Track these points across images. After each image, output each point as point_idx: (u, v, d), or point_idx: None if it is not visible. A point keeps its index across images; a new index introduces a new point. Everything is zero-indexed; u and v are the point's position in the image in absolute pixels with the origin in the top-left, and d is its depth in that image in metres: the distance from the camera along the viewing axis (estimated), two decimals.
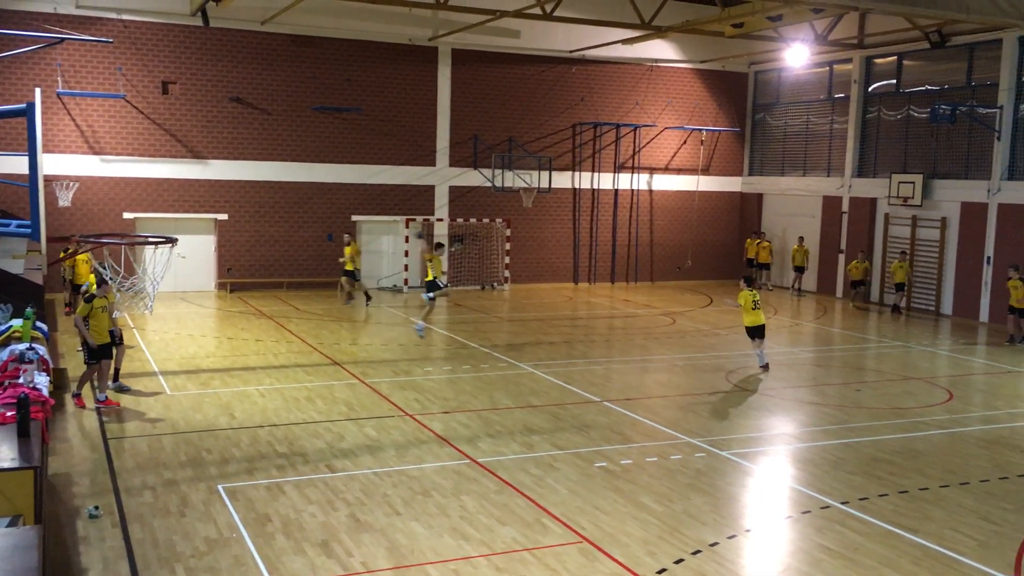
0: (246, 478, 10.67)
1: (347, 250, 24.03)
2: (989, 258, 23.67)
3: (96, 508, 9.48)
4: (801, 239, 29.08)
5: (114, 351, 14.13)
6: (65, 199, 23.42)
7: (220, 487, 10.31)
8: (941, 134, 25.36)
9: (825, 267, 28.98)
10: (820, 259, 29.17)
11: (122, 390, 14.38)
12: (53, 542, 8.66)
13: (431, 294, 19.49)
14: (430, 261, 19.58)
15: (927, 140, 25.93)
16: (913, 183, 25.58)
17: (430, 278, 19.41)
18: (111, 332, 13.94)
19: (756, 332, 17.17)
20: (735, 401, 15.05)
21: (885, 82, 27.49)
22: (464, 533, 9.17)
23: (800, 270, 28.94)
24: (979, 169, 24.45)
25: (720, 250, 32.28)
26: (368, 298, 24.45)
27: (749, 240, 30.84)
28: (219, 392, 14.67)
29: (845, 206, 28.39)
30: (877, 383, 16.80)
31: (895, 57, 26.97)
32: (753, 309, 17.03)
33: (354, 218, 27.32)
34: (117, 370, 14.58)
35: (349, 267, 24.06)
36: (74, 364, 15.58)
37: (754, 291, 17.28)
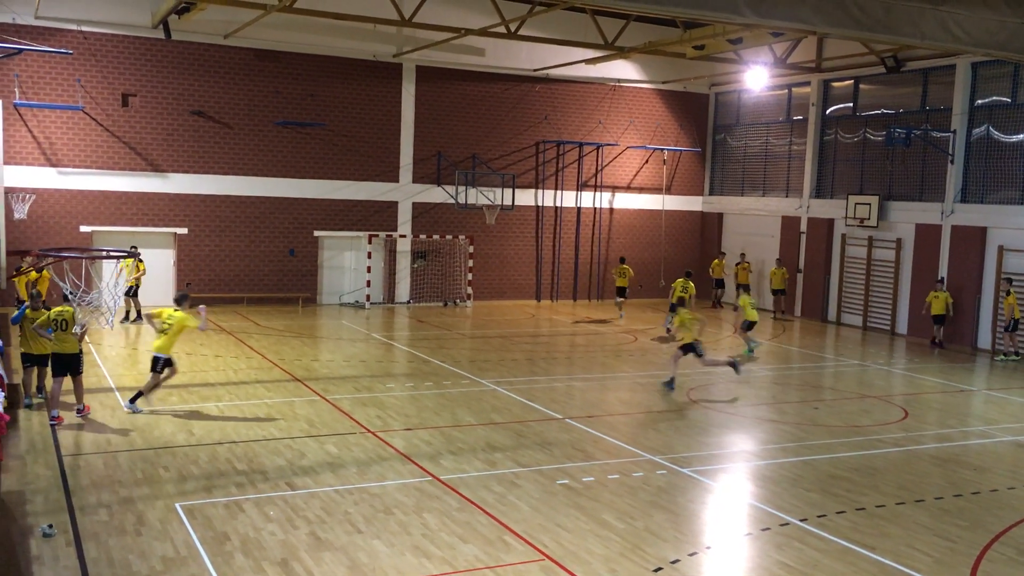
0: (204, 496, 10.53)
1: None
2: (942, 279, 24.14)
3: (50, 527, 9.29)
4: (779, 260, 28.68)
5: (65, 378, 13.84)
6: (21, 212, 23.02)
7: (178, 505, 10.16)
8: (896, 157, 25.88)
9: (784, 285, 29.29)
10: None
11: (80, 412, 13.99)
12: (6, 561, 8.47)
13: None
14: None
15: (883, 163, 26.44)
16: (869, 204, 26.06)
17: None
18: (72, 356, 13.69)
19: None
20: (696, 418, 15.17)
21: (842, 105, 28.02)
22: (426, 551, 9.13)
23: (778, 292, 28.24)
24: (933, 191, 24.98)
25: (681, 268, 32.52)
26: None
27: (717, 261, 30.67)
28: (177, 408, 14.48)
29: (803, 226, 28.82)
30: (834, 401, 17.03)
31: (852, 81, 27.52)
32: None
33: (316, 233, 27.18)
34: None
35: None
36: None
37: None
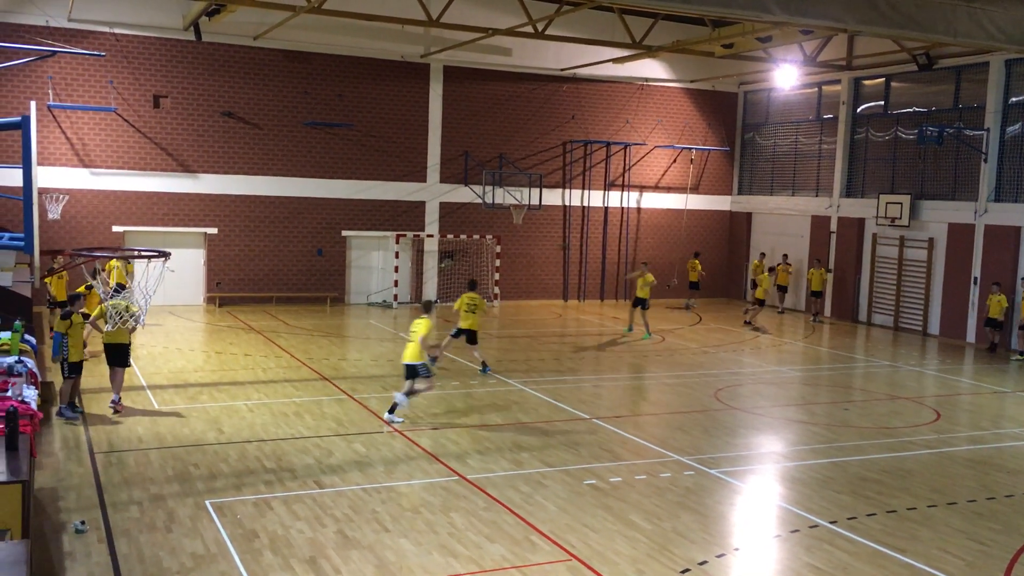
0: (234, 493, 10.62)
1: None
2: (976, 278, 23.83)
3: (82, 523, 9.42)
4: (818, 261, 27.93)
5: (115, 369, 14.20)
6: (55, 212, 23.35)
7: (207, 502, 10.26)
8: (928, 155, 25.58)
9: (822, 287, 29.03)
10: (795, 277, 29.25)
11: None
12: (39, 557, 8.59)
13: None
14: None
15: (914, 161, 26.14)
16: (901, 204, 25.77)
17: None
18: (124, 347, 14.06)
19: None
20: (724, 419, 15.08)
21: (873, 103, 27.73)
22: (453, 550, 9.15)
23: (817, 295, 27.67)
24: (966, 190, 24.65)
25: (710, 268, 32.39)
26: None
27: (757, 262, 30.07)
28: (207, 407, 14.61)
29: (833, 226, 28.55)
30: (865, 402, 16.86)
31: (883, 79, 27.22)
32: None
33: (344, 233, 27.33)
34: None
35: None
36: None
37: None
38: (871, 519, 10.44)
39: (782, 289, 29.06)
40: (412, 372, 14.00)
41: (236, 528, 9.51)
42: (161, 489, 10.68)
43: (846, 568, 9.02)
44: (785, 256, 29.37)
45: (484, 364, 18.01)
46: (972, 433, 14.76)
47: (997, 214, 23.63)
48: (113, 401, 14.14)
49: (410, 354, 13.98)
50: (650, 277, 23.36)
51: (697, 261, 29.90)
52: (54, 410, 13.76)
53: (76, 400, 14.05)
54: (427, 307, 14.84)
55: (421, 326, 13.96)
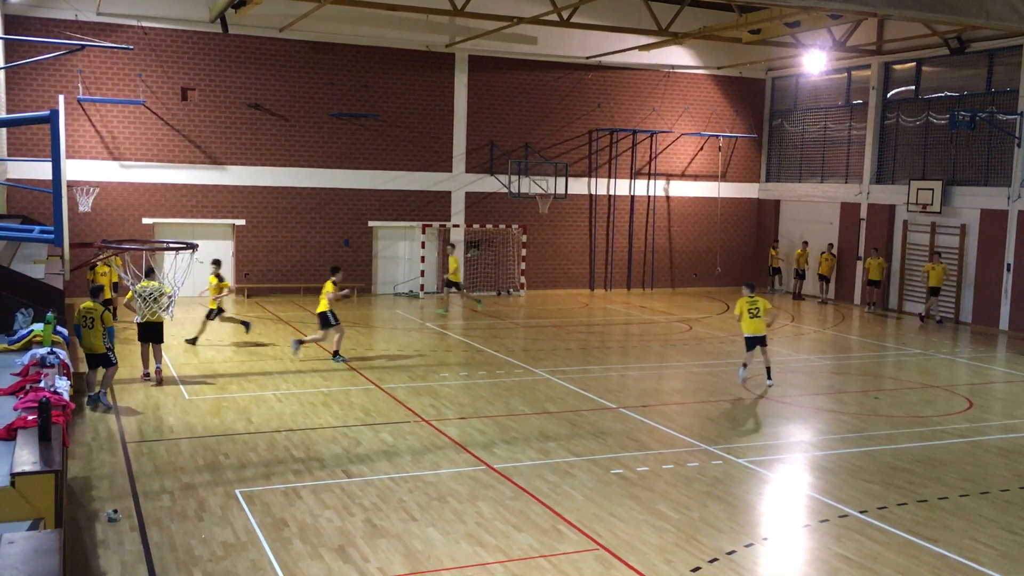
0: (263, 483, 10.71)
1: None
2: (1009, 265, 23.48)
3: (115, 512, 9.54)
4: (875, 250, 27.10)
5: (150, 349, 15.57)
6: (85, 205, 23.61)
7: (237, 491, 10.35)
8: (960, 141, 25.21)
9: (843, 273, 28.79)
10: (838, 266, 28.97)
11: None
12: (72, 546, 8.71)
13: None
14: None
15: (946, 147, 25.77)
16: (932, 190, 25.43)
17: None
18: (158, 325, 15.31)
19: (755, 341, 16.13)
20: (752, 408, 14.98)
21: (904, 88, 27.36)
22: (480, 539, 9.17)
23: (875, 284, 27.10)
24: (999, 176, 24.28)
25: (737, 256, 32.19)
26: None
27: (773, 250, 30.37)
28: (236, 397, 14.74)
29: (863, 212, 28.24)
30: (895, 391, 16.69)
31: (914, 63, 26.83)
32: (751, 317, 16.01)
33: (371, 223, 27.42)
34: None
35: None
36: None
37: (755, 297, 16.27)
38: (902, 509, 10.34)
39: (823, 279, 28.65)
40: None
41: (265, 516, 9.59)
42: (192, 478, 10.79)
43: (876, 558, 8.94)
44: (831, 245, 28.82)
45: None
46: (1005, 422, 14.57)
47: None
48: (156, 370, 15.43)
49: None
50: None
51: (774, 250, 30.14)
52: (85, 400, 13.94)
53: (103, 390, 14.28)
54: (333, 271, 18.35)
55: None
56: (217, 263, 19.77)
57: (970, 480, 11.48)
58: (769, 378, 16.33)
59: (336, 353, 17.87)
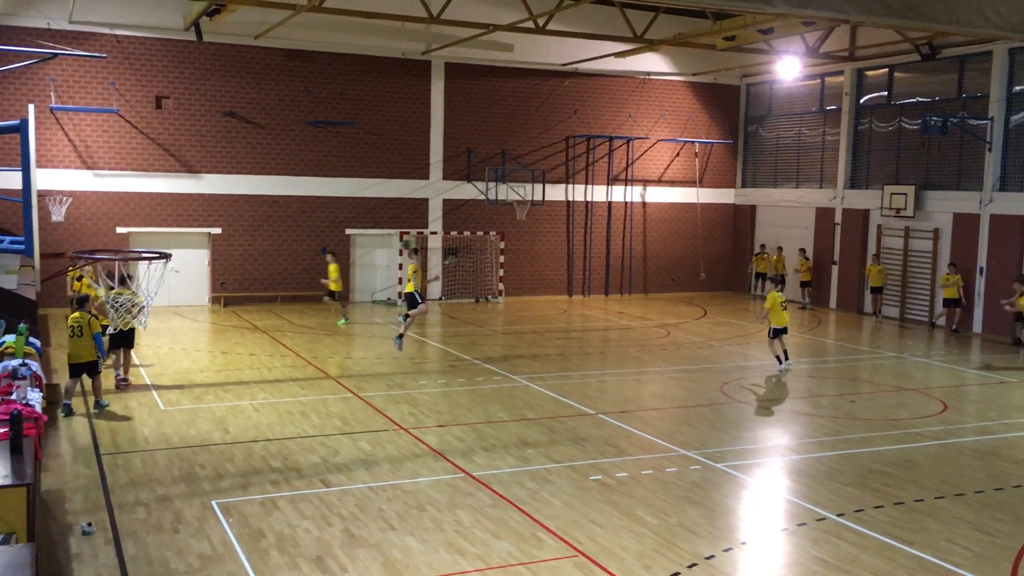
0: (240, 493, 10.62)
1: None
2: (982, 268, 23.75)
3: (89, 525, 9.43)
4: (875, 257, 26.62)
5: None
6: (58, 214, 23.38)
7: (214, 503, 10.26)
8: (933, 146, 25.49)
9: (818, 279, 28.98)
10: (814, 271, 29.15)
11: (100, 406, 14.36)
12: (46, 559, 8.61)
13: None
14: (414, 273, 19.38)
15: (919, 152, 26.05)
16: (905, 194, 25.69)
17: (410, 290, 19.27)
18: (129, 331, 15.33)
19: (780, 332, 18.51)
20: (730, 413, 15.05)
21: (876, 94, 27.64)
22: (459, 548, 9.14)
23: (877, 291, 26.35)
24: (971, 180, 24.56)
25: (715, 261, 32.36)
26: None
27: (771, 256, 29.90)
28: (213, 407, 14.63)
29: (838, 217, 28.48)
30: (871, 394, 16.82)
31: (886, 69, 27.13)
32: (783, 310, 18.42)
33: (348, 231, 27.33)
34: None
35: None
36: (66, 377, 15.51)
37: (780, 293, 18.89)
38: (878, 511, 10.41)
39: (805, 284, 28.46)
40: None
41: (243, 528, 9.52)
42: (168, 490, 10.69)
43: (854, 561, 8.99)
44: (803, 250, 28.75)
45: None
46: (979, 424, 14.71)
47: (1002, 203, 23.54)
48: (118, 376, 15.44)
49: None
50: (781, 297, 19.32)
51: (805, 260, 28.43)
52: (59, 411, 13.80)
53: (98, 398, 14.37)
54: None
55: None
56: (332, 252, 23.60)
57: (945, 482, 11.58)
58: (788, 358, 18.68)
59: (400, 336, 19.20)
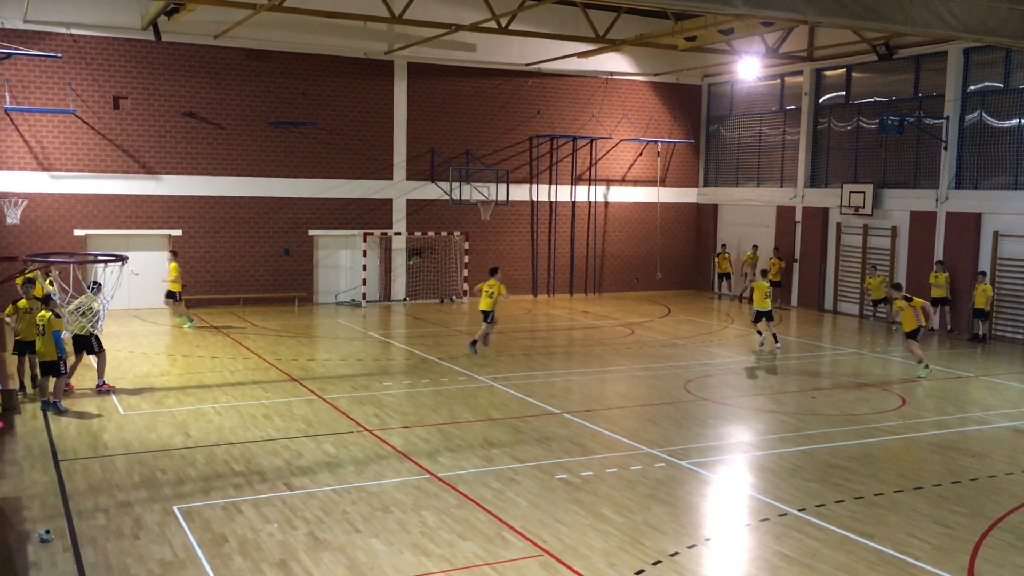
0: (202, 498, 10.50)
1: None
2: (984, 271, 23.98)
3: (47, 532, 9.26)
4: (873, 267, 25.91)
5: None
6: (13, 217, 22.97)
7: (175, 508, 10.13)
8: (890, 145, 25.87)
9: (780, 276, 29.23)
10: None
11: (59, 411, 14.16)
12: (3, 568, 8.44)
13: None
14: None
15: (876, 151, 26.44)
16: (864, 193, 26.05)
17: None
18: (85, 337, 15.21)
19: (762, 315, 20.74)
20: (694, 411, 15.16)
21: (835, 94, 28.00)
22: (425, 549, 9.11)
23: (880, 302, 25.43)
24: (927, 178, 24.97)
25: (678, 260, 32.59)
26: None
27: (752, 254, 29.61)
28: (174, 411, 14.45)
29: (798, 216, 28.81)
30: (832, 390, 17.03)
31: (844, 69, 27.49)
32: (764, 298, 20.65)
33: (311, 232, 27.14)
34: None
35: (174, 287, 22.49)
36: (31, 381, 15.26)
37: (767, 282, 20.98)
38: (839, 506, 10.54)
39: (776, 284, 27.49)
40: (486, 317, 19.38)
41: (205, 533, 9.41)
42: (128, 495, 10.54)
43: (815, 555, 9.10)
44: (777, 250, 28.69)
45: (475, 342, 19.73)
46: (937, 418, 14.96)
47: (958, 201, 23.96)
48: (98, 385, 15.43)
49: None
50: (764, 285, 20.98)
51: (777, 260, 28.18)
52: (16, 417, 13.56)
53: (57, 400, 14.27)
54: (493, 271, 19.88)
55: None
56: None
57: (904, 476, 11.76)
58: (777, 342, 20.82)
59: (475, 342, 19.58)
